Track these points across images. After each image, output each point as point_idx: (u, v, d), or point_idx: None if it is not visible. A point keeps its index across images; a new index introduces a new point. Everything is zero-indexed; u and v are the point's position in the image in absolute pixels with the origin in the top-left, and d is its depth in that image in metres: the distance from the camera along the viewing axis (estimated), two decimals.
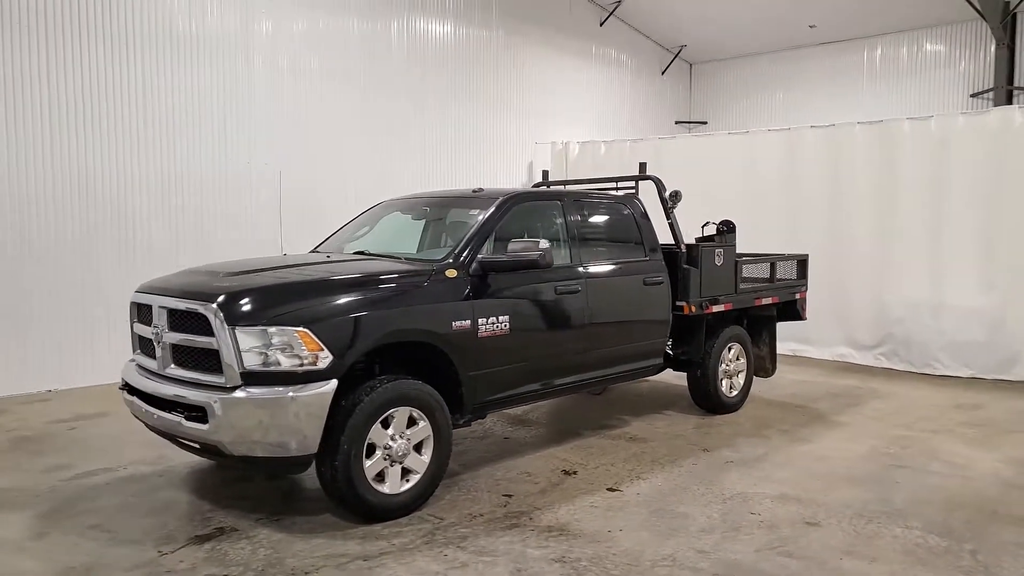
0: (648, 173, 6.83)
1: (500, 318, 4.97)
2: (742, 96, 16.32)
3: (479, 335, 4.86)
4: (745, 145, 10.64)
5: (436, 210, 5.98)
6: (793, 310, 7.70)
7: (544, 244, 4.82)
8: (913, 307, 9.11)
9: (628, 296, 6.00)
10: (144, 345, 4.80)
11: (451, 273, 4.82)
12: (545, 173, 7.89)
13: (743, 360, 7.14)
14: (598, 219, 6.06)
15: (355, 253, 5.45)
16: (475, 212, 5.34)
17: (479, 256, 4.97)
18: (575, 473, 5.31)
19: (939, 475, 5.31)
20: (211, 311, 4.13)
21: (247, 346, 4.07)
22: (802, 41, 15.03)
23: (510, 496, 4.87)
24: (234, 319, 4.09)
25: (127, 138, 8.27)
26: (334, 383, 4.15)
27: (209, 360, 4.20)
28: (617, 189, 6.90)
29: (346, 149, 10.21)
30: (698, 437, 6.25)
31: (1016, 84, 12.72)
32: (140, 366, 4.83)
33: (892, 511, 4.62)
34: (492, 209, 5.28)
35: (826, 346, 9.85)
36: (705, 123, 16.59)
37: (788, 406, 7.36)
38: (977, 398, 7.67)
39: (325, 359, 4.12)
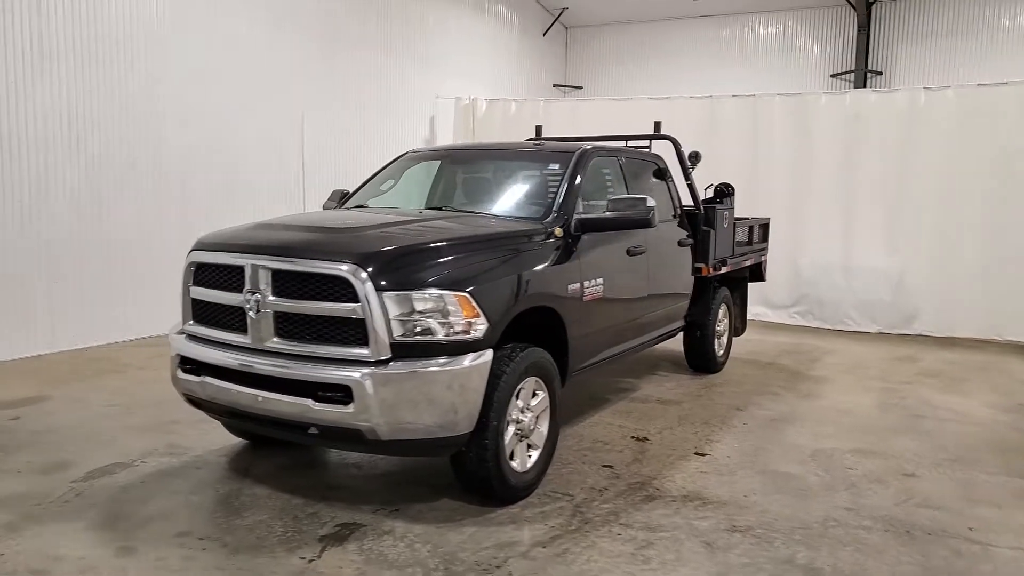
0: (664, 132, 6.74)
1: (597, 280, 4.68)
2: (615, 63, 16.65)
3: (584, 298, 4.55)
4: (664, 111, 10.71)
5: (492, 163, 5.46)
6: (758, 272, 8.04)
7: (651, 201, 4.57)
8: (826, 269, 9.87)
9: (671, 257, 5.93)
10: (215, 314, 3.95)
11: (559, 232, 4.45)
12: (538, 129, 7.52)
13: (726, 320, 7.35)
14: (644, 177, 5.88)
15: (430, 209, 4.86)
16: (555, 167, 4.95)
17: (578, 214, 4.63)
18: (647, 440, 5.17)
19: (955, 423, 5.79)
20: (353, 273, 3.47)
21: (397, 313, 3.48)
22: (678, 12, 15.59)
23: (611, 467, 4.63)
24: (384, 283, 3.48)
25: (17, 62, 6.78)
26: (490, 353, 3.68)
27: (340, 330, 3.55)
28: (636, 147, 6.72)
29: (256, 89, 9.12)
30: (717, 397, 6.34)
31: (870, 67, 14.10)
32: (201, 339, 3.99)
33: (957, 458, 4.96)
34: (573, 163, 4.92)
35: None
36: (581, 88, 16.77)
37: (759, 363, 7.71)
38: (904, 352, 8.49)
39: (480, 327, 3.63)
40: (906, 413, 6.00)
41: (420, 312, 3.51)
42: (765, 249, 8.10)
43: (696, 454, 4.92)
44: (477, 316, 3.61)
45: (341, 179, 10.00)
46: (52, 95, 7.05)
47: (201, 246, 4.04)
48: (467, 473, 3.85)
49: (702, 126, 10.55)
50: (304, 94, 9.76)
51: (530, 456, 4.14)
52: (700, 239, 6.42)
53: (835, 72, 14.43)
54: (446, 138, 12.51)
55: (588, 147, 5.20)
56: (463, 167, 5.53)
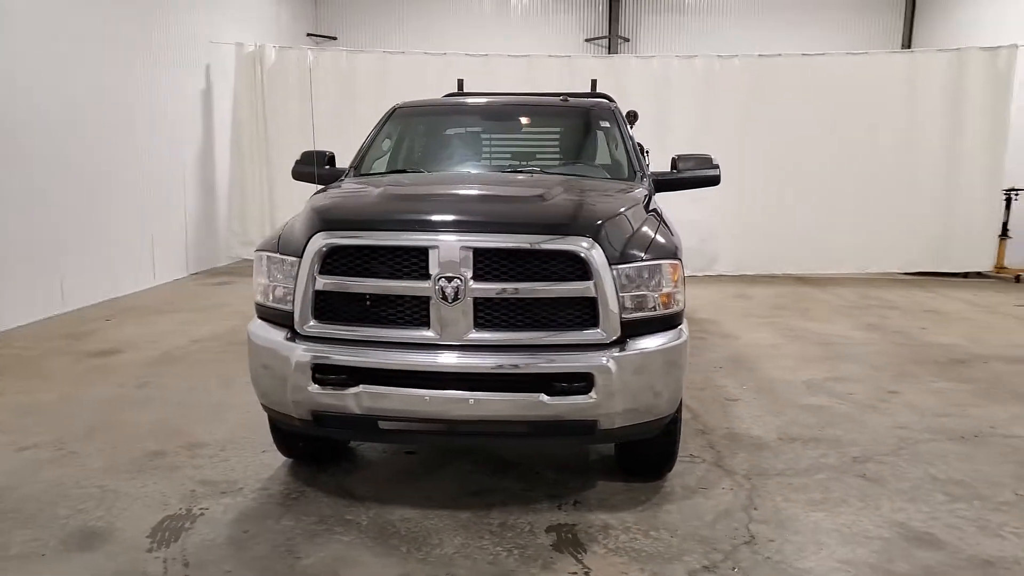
0: (600, 90, 6.71)
1: None
2: (369, 17, 15.91)
3: None
4: (484, 69, 10.77)
5: (540, 120, 4.99)
6: None
7: (715, 159, 4.63)
8: None
9: None
10: (359, 308, 3.15)
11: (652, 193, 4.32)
12: (460, 83, 6.89)
13: None
14: None
15: (506, 172, 4.31)
16: (605, 124, 4.73)
17: (650, 172, 4.52)
18: None
19: (854, 345, 6.81)
20: (589, 248, 3.05)
21: (625, 288, 3.15)
22: None
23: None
24: (614, 256, 3.12)
25: None
26: (686, 324, 3.51)
27: (562, 312, 3.11)
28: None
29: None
30: None
31: (619, 34, 15.35)
32: (340, 341, 3.18)
33: (901, 374, 5.87)
34: (620, 119, 4.76)
35: None
36: (336, 39, 15.75)
37: None
38: (731, 291, 9.70)
39: (680, 297, 3.43)
40: (812, 343, 6.91)
41: (645, 285, 3.21)
42: None
43: (727, 400, 5.19)
44: (676, 285, 3.41)
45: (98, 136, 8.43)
46: None
47: (338, 223, 3.17)
48: (652, 452, 3.65)
49: (521, 85, 10.67)
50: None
51: None
52: None
53: (589, 36, 15.45)
54: (225, 92, 11.05)
55: (606, 104, 5.06)
56: (498, 125, 4.98)
